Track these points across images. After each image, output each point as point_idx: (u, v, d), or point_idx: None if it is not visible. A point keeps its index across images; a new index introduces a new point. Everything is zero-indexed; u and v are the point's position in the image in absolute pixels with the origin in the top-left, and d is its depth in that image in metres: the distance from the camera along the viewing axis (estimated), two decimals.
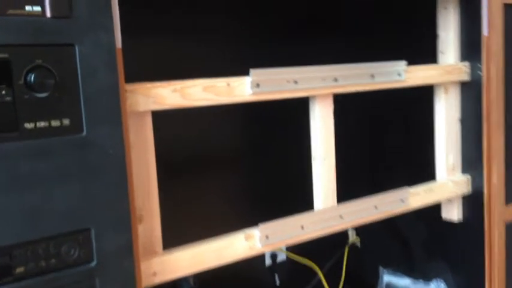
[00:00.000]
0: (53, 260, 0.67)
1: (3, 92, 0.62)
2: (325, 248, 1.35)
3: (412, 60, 1.10)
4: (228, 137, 1.30)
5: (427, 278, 1.37)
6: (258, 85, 0.89)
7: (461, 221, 1.25)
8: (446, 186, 1.19)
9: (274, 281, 1.41)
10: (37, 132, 0.65)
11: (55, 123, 0.66)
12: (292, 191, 1.32)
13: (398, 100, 1.29)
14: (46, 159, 0.65)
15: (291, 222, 0.96)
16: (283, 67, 0.92)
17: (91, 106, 0.68)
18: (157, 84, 0.79)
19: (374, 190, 1.09)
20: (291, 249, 1.38)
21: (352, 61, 1.02)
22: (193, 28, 1.20)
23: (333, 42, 1.39)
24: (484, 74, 1.17)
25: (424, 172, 1.24)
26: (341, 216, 1.02)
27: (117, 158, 0.70)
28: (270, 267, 1.42)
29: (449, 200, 1.23)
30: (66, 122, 0.67)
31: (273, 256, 1.42)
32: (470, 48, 1.19)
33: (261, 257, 1.39)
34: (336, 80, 0.98)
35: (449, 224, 1.27)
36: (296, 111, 1.10)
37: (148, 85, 0.78)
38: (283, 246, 1.23)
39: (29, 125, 0.64)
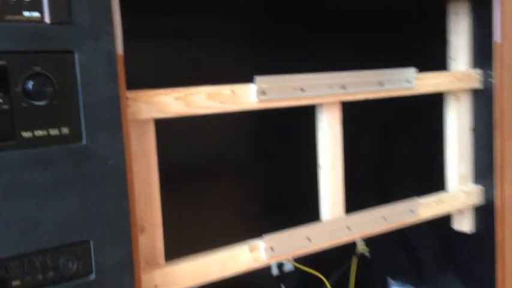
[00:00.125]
0: (51, 273, 0.65)
1: (0, 100, 0.60)
2: (333, 258, 1.32)
3: (421, 67, 1.08)
4: (233, 146, 1.28)
5: None
6: (263, 93, 0.87)
7: (473, 232, 1.22)
8: (457, 197, 1.16)
9: None
10: (35, 141, 0.63)
11: (53, 132, 0.64)
12: (299, 201, 1.30)
13: (408, 107, 1.27)
14: (44, 169, 0.63)
15: (297, 234, 0.94)
16: (289, 74, 0.90)
17: (91, 114, 0.66)
18: (160, 91, 0.77)
19: (383, 200, 1.06)
20: (298, 258, 1.36)
21: (361, 68, 1.00)
22: (196, 33, 1.18)
23: (341, 49, 1.37)
24: (496, 81, 1.15)
25: (435, 182, 1.21)
26: (349, 228, 1.00)
27: (117, 168, 0.68)
28: (277, 277, 1.40)
29: (461, 211, 1.20)
30: (65, 130, 0.65)
31: (280, 266, 1.40)
32: (482, 55, 1.17)
33: (267, 267, 1.37)
34: (343, 87, 0.96)
35: (461, 235, 1.24)
36: (303, 119, 1.08)
37: (150, 92, 0.76)
38: (289, 258, 1.20)
39: (26, 134, 0.62)
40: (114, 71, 0.68)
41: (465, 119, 1.19)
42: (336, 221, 0.99)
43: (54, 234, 0.64)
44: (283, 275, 1.40)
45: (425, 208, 1.10)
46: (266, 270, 1.37)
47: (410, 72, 1.04)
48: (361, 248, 1.50)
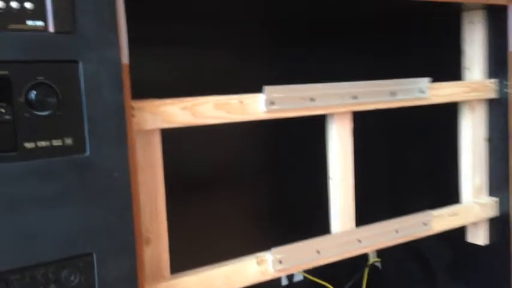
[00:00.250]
0: (52, 286, 0.63)
1: (3, 110, 0.59)
2: (344, 268, 1.30)
3: (434, 76, 1.06)
4: (242, 155, 1.26)
5: None
6: (272, 102, 0.85)
7: (488, 245, 1.19)
8: (471, 209, 1.14)
9: None
10: (37, 152, 0.62)
11: (57, 142, 0.63)
12: (309, 212, 1.28)
13: (420, 117, 1.24)
14: (46, 180, 0.62)
15: (306, 247, 0.91)
16: (299, 84, 0.88)
17: (95, 125, 0.65)
18: (166, 101, 0.76)
19: (395, 212, 1.04)
20: (308, 269, 1.34)
21: (374, 77, 0.98)
22: (204, 41, 1.17)
23: (352, 57, 1.35)
24: (511, 91, 1.12)
25: (448, 194, 1.19)
26: (359, 241, 0.97)
27: (121, 180, 0.67)
28: (286, 287, 1.38)
29: (475, 224, 1.17)
30: (68, 141, 0.64)
31: (290, 276, 1.38)
32: (497, 64, 1.14)
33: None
34: (354, 97, 0.94)
35: (475, 248, 1.21)
36: (313, 129, 1.06)
37: (156, 102, 0.75)
38: (298, 271, 1.18)
39: (29, 145, 0.61)
40: (119, 81, 0.66)
41: (480, 129, 1.16)
42: (346, 233, 0.96)
43: (56, 247, 0.63)
44: (292, 285, 1.38)
45: (438, 221, 1.08)
46: (275, 280, 1.35)
47: (424, 82, 1.02)
48: (373, 259, 1.48)
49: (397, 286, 1.45)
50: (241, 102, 0.83)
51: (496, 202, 1.17)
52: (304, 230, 0.96)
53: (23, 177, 0.61)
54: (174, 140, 0.85)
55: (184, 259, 0.83)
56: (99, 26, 0.64)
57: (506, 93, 1.13)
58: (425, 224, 1.05)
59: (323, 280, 1.36)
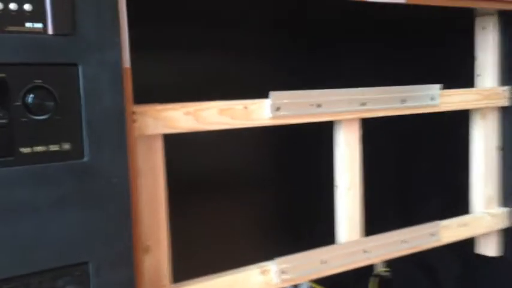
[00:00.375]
0: None
1: None
2: (351, 277, 1.27)
3: (445, 83, 1.03)
4: (247, 161, 1.24)
5: None
6: (278, 108, 0.83)
7: (498, 257, 1.16)
8: (482, 220, 1.11)
9: None
10: (34, 157, 0.60)
11: (54, 147, 0.61)
12: (315, 220, 1.26)
13: (431, 125, 1.22)
14: (43, 186, 0.60)
15: (310, 257, 0.89)
16: (305, 90, 0.86)
17: (94, 130, 0.63)
18: (169, 106, 0.74)
19: (403, 222, 1.01)
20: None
21: (384, 83, 0.95)
22: (208, 45, 1.15)
23: (363, 63, 1.33)
24: None
25: (459, 204, 1.16)
26: (366, 251, 0.95)
27: (120, 187, 0.65)
28: None
29: (485, 235, 1.14)
30: (66, 146, 0.62)
31: (295, 284, 1.36)
32: (510, 71, 1.12)
33: None
34: (363, 104, 0.91)
35: (485, 259, 1.18)
36: (320, 136, 1.03)
37: (158, 107, 0.73)
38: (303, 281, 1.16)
39: (25, 150, 0.60)
40: (120, 85, 0.65)
41: (492, 137, 1.14)
42: (353, 244, 0.94)
43: (52, 255, 0.61)
44: None
45: (447, 232, 1.05)
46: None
47: (435, 88, 1.00)
48: (381, 268, 1.45)
49: None
50: (245, 107, 0.81)
51: (508, 212, 1.13)
52: (310, 239, 0.93)
53: (19, 182, 0.59)
54: (177, 145, 0.83)
55: (185, 268, 0.81)
56: (99, 28, 0.62)
57: None
58: (433, 235, 1.02)
59: None
